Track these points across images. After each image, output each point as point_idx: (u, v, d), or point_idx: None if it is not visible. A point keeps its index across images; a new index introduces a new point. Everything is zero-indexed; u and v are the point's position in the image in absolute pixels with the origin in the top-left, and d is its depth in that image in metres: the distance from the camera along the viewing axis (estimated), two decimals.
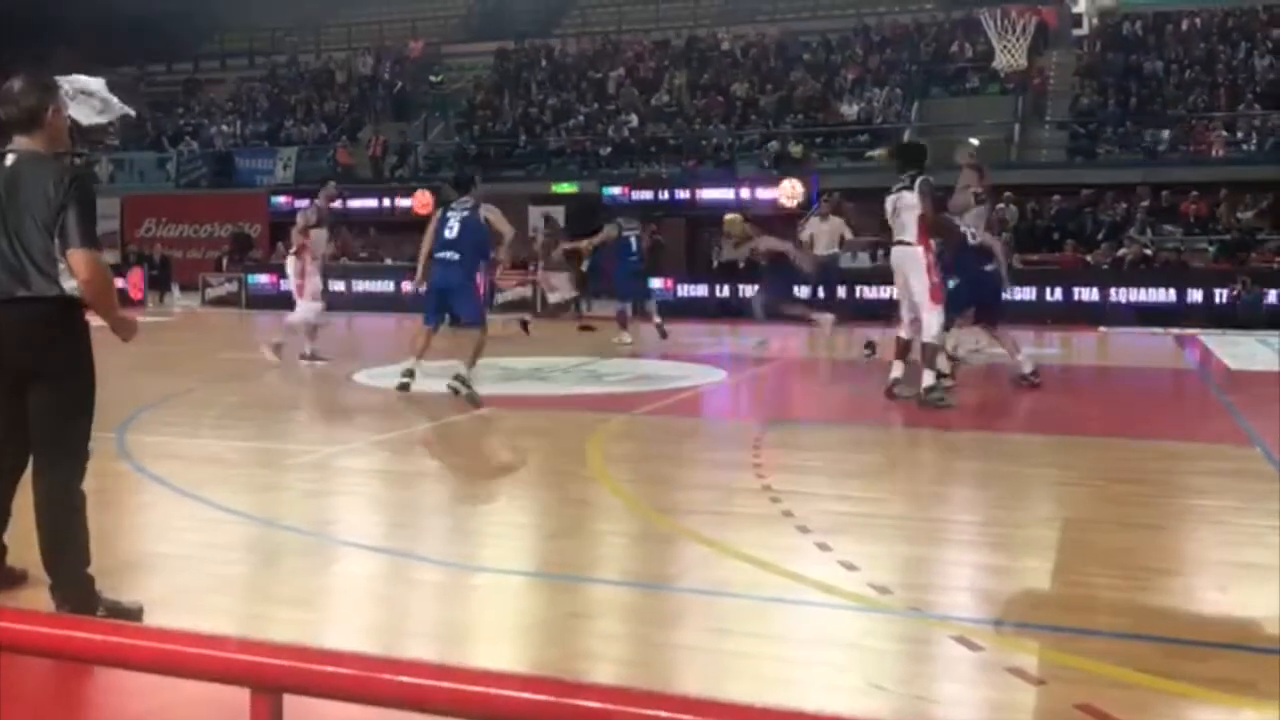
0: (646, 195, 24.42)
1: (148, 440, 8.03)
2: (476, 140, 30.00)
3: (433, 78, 32.40)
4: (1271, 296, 18.14)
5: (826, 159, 25.92)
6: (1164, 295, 18.69)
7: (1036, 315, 18.22)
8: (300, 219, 13.15)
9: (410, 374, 10.13)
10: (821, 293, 19.29)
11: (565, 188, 26.43)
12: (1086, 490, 6.76)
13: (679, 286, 21.52)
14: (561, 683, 1.53)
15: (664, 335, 15.64)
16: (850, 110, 26.97)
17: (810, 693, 3.69)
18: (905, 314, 9.86)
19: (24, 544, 4.32)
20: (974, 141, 24.25)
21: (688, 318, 18.63)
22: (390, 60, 34.14)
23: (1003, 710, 3.60)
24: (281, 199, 27.79)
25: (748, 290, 20.25)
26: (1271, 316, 17.67)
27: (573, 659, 3.98)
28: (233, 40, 38.46)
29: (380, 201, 27.34)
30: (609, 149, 28.08)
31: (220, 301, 25.14)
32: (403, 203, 26.77)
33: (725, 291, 21.00)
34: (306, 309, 12.87)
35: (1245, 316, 17.62)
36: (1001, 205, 19.65)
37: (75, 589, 4.11)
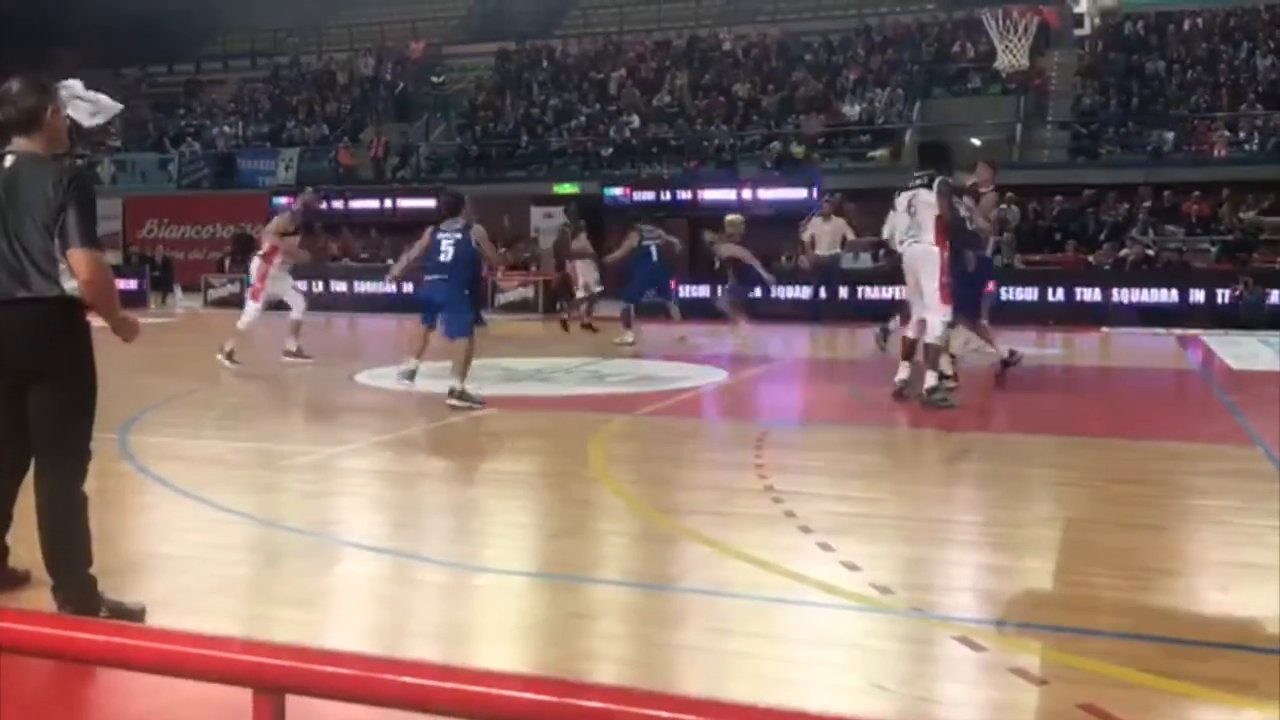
0: (648, 196, 24.38)
1: (150, 441, 8.04)
2: (478, 141, 30.02)
3: (434, 78, 32.41)
4: (1274, 296, 18.11)
5: (828, 159, 25.91)
6: (1166, 295, 18.68)
7: (1038, 316, 18.23)
8: (277, 223, 12.92)
9: (412, 374, 10.23)
10: (823, 293, 19.36)
11: (567, 188, 26.41)
12: (1088, 490, 6.76)
13: (681, 287, 21.47)
14: (563, 683, 1.53)
15: (681, 340, 15.62)
16: (852, 110, 26.97)
17: (812, 693, 3.69)
18: (914, 313, 9.85)
19: (26, 545, 4.33)
20: (975, 141, 24.29)
21: (690, 318, 18.60)
22: (392, 61, 34.16)
23: (1005, 710, 3.60)
24: (283, 200, 27.75)
25: (752, 290, 20.31)
26: (1274, 316, 17.65)
27: (574, 659, 3.98)
28: (234, 41, 38.49)
29: (382, 203, 27.35)
30: (610, 150, 28.08)
31: (222, 302, 25.10)
32: (404, 204, 26.76)
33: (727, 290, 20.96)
34: (254, 311, 12.74)
35: (1247, 317, 17.60)
36: (1004, 205, 19.64)
37: (77, 590, 4.11)
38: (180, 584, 4.81)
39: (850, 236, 19.41)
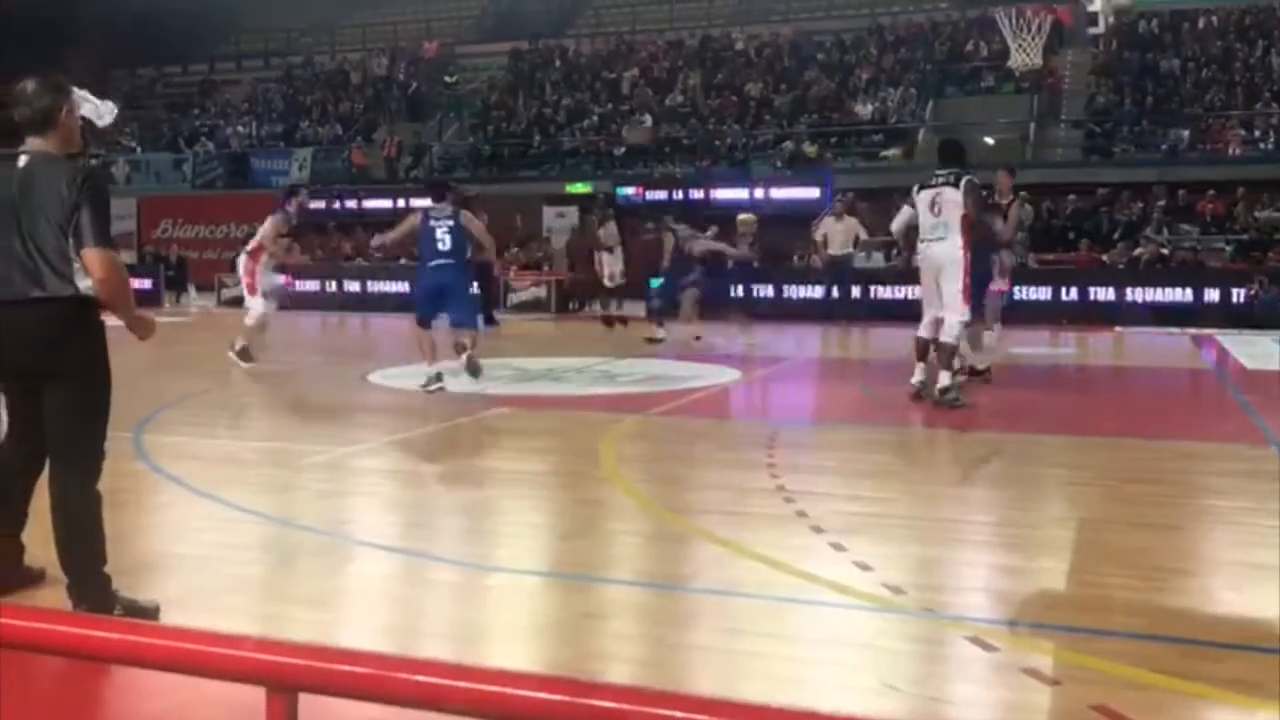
0: (661, 195, 24.39)
1: (165, 440, 8.07)
2: (491, 140, 30.05)
3: (447, 78, 32.46)
4: None
5: (841, 159, 25.88)
6: (1180, 295, 18.59)
7: (1052, 315, 18.19)
8: (270, 225, 12.91)
9: (439, 377, 10.27)
10: (835, 292, 19.34)
11: (579, 188, 26.44)
12: (1101, 490, 6.74)
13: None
14: (576, 682, 1.54)
15: (698, 338, 15.62)
16: (865, 110, 26.93)
17: (824, 693, 3.69)
18: (929, 312, 9.77)
19: (42, 544, 4.35)
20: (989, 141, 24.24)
21: (701, 317, 18.60)
22: (405, 61, 34.22)
23: (1017, 711, 3.59)
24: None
25: (765, 290, 20.31)
26: None
27: (587, 659, 3.98)
28: (248, 41, 38.62)
29: (395, 202, 27.37)
30: (623, 149, 28.08)
31: (236, 302, 25.15)
32: (417, 203, 26.70)
33: (739, 291, 20.96)
34: (259, 304, 12.83)
35: (1262, 316, 17.51)
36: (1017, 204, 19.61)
37: (92, 588, 4.13)
38: (194, 583, 4.83)
39: (863, 236, 19.42)
